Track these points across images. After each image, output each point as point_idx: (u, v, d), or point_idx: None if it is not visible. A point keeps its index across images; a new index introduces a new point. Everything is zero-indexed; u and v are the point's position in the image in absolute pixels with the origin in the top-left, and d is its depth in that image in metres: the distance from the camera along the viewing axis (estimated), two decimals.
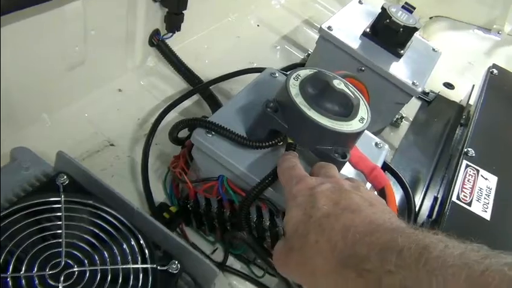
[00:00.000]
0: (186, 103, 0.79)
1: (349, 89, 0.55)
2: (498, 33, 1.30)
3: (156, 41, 0.81)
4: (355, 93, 0.56)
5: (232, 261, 0.61)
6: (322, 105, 0.52)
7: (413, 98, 0.83)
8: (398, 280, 0.30)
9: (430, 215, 0.70)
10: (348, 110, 0.53)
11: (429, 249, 0.30)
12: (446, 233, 0.32)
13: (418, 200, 0.79)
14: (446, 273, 0.28)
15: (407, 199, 0.67)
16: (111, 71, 0.77)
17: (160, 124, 0.70)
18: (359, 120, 0.54)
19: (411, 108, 1.02)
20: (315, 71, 0.56)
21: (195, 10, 0.82)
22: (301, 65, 0.98)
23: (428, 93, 1.08)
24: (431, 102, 1.07)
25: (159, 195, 0.65)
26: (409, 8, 0.86)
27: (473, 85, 1.05)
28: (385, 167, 0.67)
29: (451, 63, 1.17)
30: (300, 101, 0.52)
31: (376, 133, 0.92)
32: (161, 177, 0.68)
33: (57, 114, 0.68)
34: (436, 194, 0.76)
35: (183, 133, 0.63)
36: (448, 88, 1.16)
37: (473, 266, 0.28)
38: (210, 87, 0.82)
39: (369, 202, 0.39)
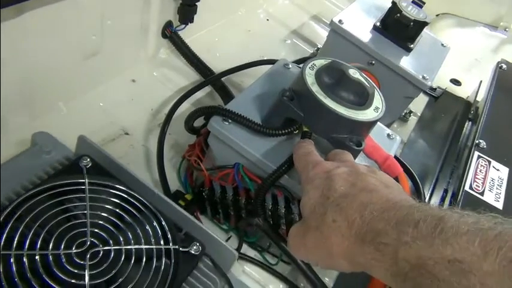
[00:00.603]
0: (198, 94, 0.80)
1: (364, 78, 0.55)
2: (505, 30, 1.31)
3: (169, 33, 0.81)
4: (371, 82, 0.57)
5: (245, 249, 0.62)
6: (338, 94, 0.53)
7: (421, 93, 0.84)
8: (414, 251, 0.31)
9: None
10: (363, 99, 0.54)
11: (444, 220, 0.31)
12: (462, 208, 0.33)
13: (427, 193, 0.80)
14: (461, 240, 0.29)
15: (417, 191, 0.68)
16: (125, 61, 0.78)
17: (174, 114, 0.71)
18: (374, 110, 0.54)
19: (419, 104, 1.02)
20: (331, 60, 0.57)
21: (206, 3, 0.83)
22: None
23: (435, 89, 1.09)
24: (439, 98, 1.08)
25: (173, 184, 0.66)
26: (419, 3, 0.86)
27: (481, 81, 1.06)
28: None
29: (458, 60, 1.17)
30: (316, 89, 0.53)
31: None
32: (175, 166, 0.68)
33: (73, 103, 0.69)
34: (445, 187, 0.77)
35: (197, 122, 0.64)
36: (455, 84, 1.17)
37: (487, 232, 0.29)
38: (222, 79, 0.82)
39: (384, 184, 0.40)
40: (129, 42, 0.77)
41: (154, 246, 0.41)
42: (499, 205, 0.58)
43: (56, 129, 0.63)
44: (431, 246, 0.30)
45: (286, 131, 0.55)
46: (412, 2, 0.86)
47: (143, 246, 0.41)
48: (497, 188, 0.60)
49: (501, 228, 0.28)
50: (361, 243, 0.34)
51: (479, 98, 1.01)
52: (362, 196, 0.37)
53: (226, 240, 0.63)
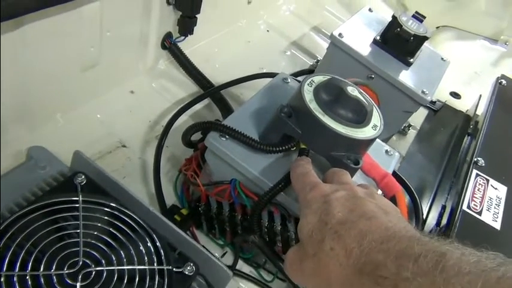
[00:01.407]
0: (196, 106, 0.79)
1: (362, 96, 0.55)
2: (505, 44, 1.31)
3: (169, 44, 0.81)
4: (369, 100, 0.56)
5: (241, 265, 0.62)
6: (336, 112, 0.52)
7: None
8: (415, 287, 0.30)
9: (438, 224, 0.71)
10: (361, 117, 0.54)
11: (446, 256, 0.30)
12: (461, 242, 0.32)
13: (425, 208, 0.79)
14: (462, 280, 0.28)
15: (415, 207, 0.68)
16: (124, 72, 0.78)
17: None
18: (372, 127, 0.54)
19: (418, 117, 1.02)
20: (329, 77, 0.56)
21: (206, 15, 0.83)
22: (311, 71, 0.98)
23: (435, 102, 1.09)
24: (438, 111, 1.08)
25: (169, 198, 0.65)
26: (419, 17, 0.86)
27: (480, 95, 1.06)
28: (393, 174, 0.67)
29: (458, 73, 1.17)
30: (314, 106, 0.52)
31: (384, 141, 0.92)
32: (171, 179, 0.68)
33: (70, 115, 0.69)
34: (443, 203, 0.76)
35: (194, 136, 0.64)
36: (455, 97, 1.16)
37: (490, 273, 0.28)
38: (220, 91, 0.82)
39: (383, 210, 0.39)
40: (128, 53, 0.77)
41: (147, 267, 0.41)
42: (497, 225, 0.57)
43: (52, 141, 0.63)
44: (433, 284, 0.29)
45: (284, 148, 0.54)
46: (412, 16, 0.86)
47: (136, 267, 0.40)
48: (495, 208, 0.59)
49: (504, 270, 0.28)
50: (359, 275, 0.34)
51: (478, 112, 1.01)
52: (361, 224, 0.36)
53: (222, 256, 0.62)
